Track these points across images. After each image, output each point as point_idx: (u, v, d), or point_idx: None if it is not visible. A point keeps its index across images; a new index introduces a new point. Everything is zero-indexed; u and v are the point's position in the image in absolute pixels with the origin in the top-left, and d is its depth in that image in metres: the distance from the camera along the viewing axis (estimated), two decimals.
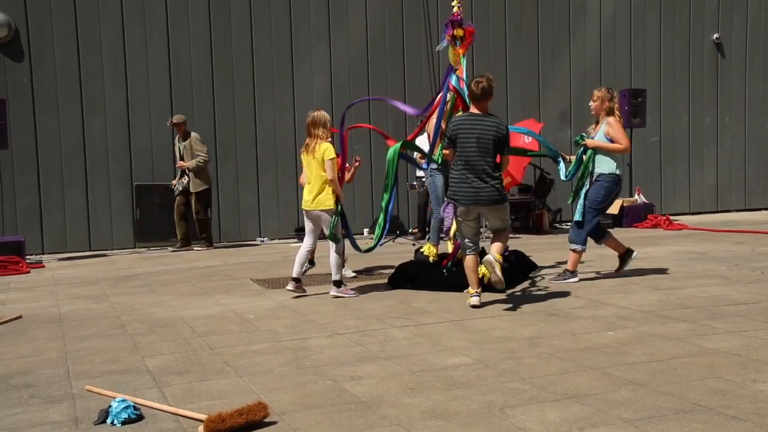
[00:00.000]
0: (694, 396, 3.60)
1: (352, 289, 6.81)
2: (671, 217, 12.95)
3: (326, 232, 6.72)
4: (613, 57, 14.20)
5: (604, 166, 6.93)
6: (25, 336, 5.52)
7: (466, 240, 6.01)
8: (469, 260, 6.00)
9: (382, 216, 6.85)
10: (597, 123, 7.11)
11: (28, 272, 9.31)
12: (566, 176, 7.19)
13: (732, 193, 15.22)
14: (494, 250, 5.84)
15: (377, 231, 7.02)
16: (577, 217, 6.96)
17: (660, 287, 6.59)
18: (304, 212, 6.88)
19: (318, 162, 6.62)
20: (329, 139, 6.94)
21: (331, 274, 6.82)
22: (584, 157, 6.99)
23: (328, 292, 6.76)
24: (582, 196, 6.98)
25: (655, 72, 14.47)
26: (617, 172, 6.94)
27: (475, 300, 5.94)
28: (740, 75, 15.10)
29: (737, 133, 15.16)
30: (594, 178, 6.96)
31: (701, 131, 14.90)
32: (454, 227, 6.84)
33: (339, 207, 6.67)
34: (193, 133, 11.17)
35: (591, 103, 7.10)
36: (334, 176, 6.62)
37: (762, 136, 15.35)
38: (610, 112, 6.99)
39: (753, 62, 15.14)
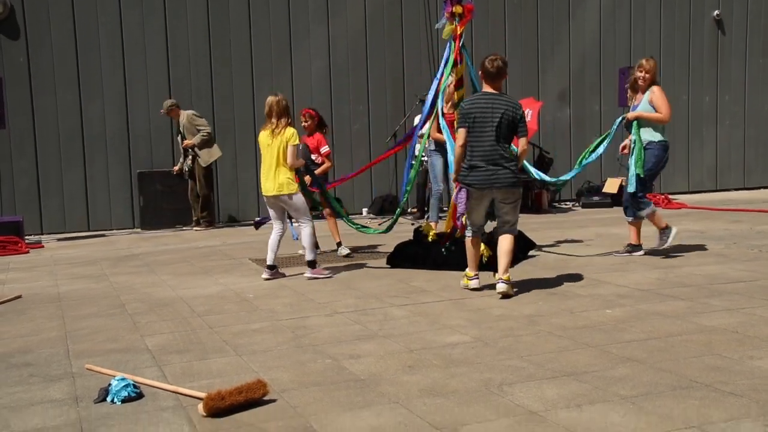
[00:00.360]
0: (691, 373, 3.62)
1: (327, 269, 6.77)
2: (670, 196, 12.94)
3: (299, 215, 6.63)
4: (613, 35, 14.10)
5: (650, 134, 7.05)
6: (24, 315, 5.54)
7: (473, 225, 5.85)
8: (471, 242, 5.88)
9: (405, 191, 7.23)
10: (638, 92, 7.16)
11: (28, 252, 9.32)
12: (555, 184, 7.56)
13: (731, 172, 15.18)
14: (502, 270, 5.54)
15: (397, 212, 7.37)
16: (631, 189, 6.99)
17: (658, 266, 6.61)
18: (265, 198, 6.70)
19: (284, 147, 6.47)
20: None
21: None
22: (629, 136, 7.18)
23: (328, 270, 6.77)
24: (633, 165, 7.00)
25: (655, 50, 14.34)
26: (665, 138, 7.11)
27: (474, 283, 5.83)
28: (740, 53, 15.01)
29: (737, 111, 15.08)
30: (644, 145, 7.03)
31: (701, 110, 14.83)
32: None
33: (301, 179, 6.78)
34: (186, 112, 11.08)
35: (644, 74, 7.03)
36: (294, 162, 6.48)
37: (761, 114, 15.28)
38: (653, 83, 7.08)
39: (753, 40, 15.04)
